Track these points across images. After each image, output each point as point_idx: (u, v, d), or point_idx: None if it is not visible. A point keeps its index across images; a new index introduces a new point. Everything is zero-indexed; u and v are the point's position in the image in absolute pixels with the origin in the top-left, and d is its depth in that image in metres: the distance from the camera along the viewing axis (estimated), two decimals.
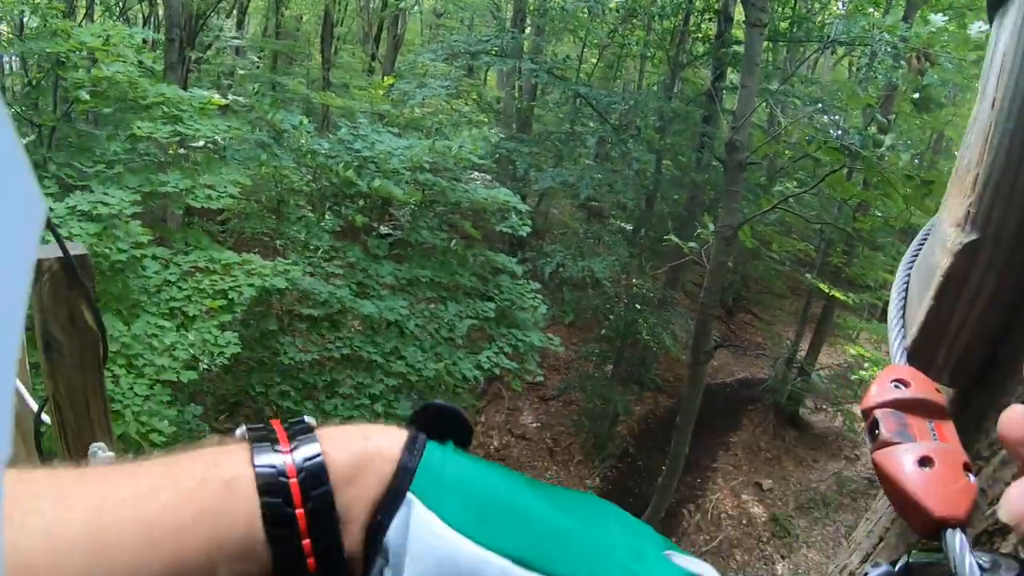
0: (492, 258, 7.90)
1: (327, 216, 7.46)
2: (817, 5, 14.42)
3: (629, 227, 13.36)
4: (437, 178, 7.61)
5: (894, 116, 11.38)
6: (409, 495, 0.43)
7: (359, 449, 0.45)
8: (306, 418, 0.48)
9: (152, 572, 0.38)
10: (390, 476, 0.44)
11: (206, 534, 0.40)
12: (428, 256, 7.66)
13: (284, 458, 0.43)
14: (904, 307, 0.72)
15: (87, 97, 5.90)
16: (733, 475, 12.31)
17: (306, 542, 0.41)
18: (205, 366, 5.24)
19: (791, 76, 10.90)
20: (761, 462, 12.76)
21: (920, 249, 0.76)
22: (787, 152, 10.39)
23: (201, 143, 6.16)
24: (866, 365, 11.13)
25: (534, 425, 12.18)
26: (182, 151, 6.37)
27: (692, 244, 7.85)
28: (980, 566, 0.42)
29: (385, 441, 0.46)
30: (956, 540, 0.44)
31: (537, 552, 0.43)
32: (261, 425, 0.46)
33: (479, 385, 9.97)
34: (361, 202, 7.76)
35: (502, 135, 9.90)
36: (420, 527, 0.43)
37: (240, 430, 0.46)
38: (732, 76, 12.51)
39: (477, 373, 6.93)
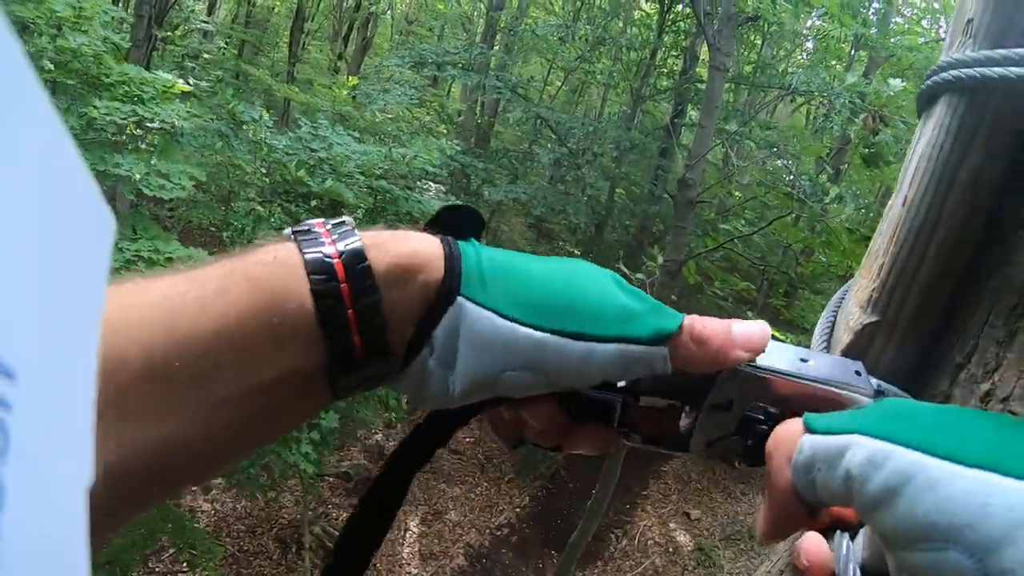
0: None
1: (277, 212, 7.39)
2: (782, 52, 14.80)
3: (577, 252, 13.46)
4: (391, 185, 7.61)
5: (846, 166, 11.70)
6: (459, 299, 0.48)
7: (403, 252, 0.48)
8: (346, 218, 0.51)
9: (210, 338, 0.42)
10: (438, 279, 0.48)
11: (266, 328, 0.44)
12: None
13: (329, 248, 0.47)
14: (827, 348, 0.77)
15: (50, 67, 5.77)
16: (662, 503, 12.43)
17: (357, 339, 0.46)
18: None
19: (750, 120, 11.15)
20: (691, 492, 12.90)
21: (838, 306, 0.81)
22: (737, 193, 10.60)
23: (158, 125, 6.06)
24: None
25: (467, 440, 12.15)
26: (139, 132, 6.25)
27: (640, 275, 7.96)
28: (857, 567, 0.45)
29: (423, 244, 0.50)
30: (843, 543, 0.47)
31: (580, 321, 0.49)
32: (305, 227, 0.50)
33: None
34: (313, 202, 7.70)
35: (459, 147, 9.92)
36: (477, 321, 0.48)
37: (286, 231, 0.50)
38: (692, 112, 12.75)
39: None
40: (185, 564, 8.24)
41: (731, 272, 12.94)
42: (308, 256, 0.46)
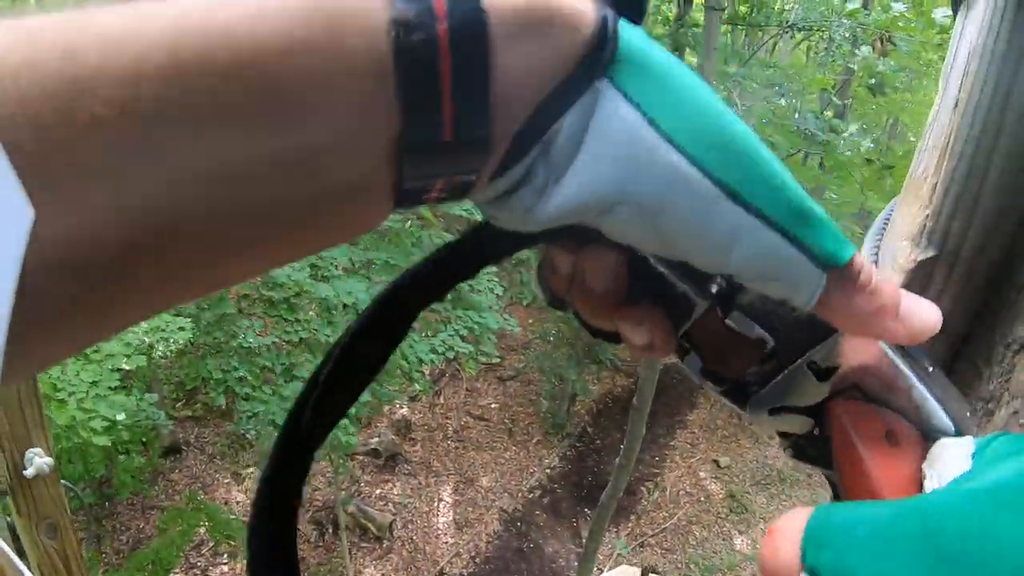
0: (446, 239, 7.85)
1: None
2: None
3: None
4: None
5: (851, 100, 11.51)
6: (604, 81, 0.32)
7: None
8: None
9: (227, 69, 0.26)
10: (581, 45, 0.32)
11: (321, 58, 0.27)
12: (383, 237, 7.58)
13: None
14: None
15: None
16: (691, 453, 12.46)
17: (448, 105, 0.29)
18: (160, 353, 5.13)
19: (749, 59, 10.93)
20: (718, 439, 12.92)
21: (883, 230, 0.69)
22: None
23: None
24: None
25: (493, 406, 12.18)
26: None
27: None
28: None
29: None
30: None
31: (746, 182, 0.33)
32: None
33: (436, 368, 9.93)
34: None
35: None
36: (614, 118, 0.32)
37: None
38: (690, 58, 12.52)
39: (433, 356, 6.89)
40: (225, 555, 8.34)
41: None
42: None
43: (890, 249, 0.61)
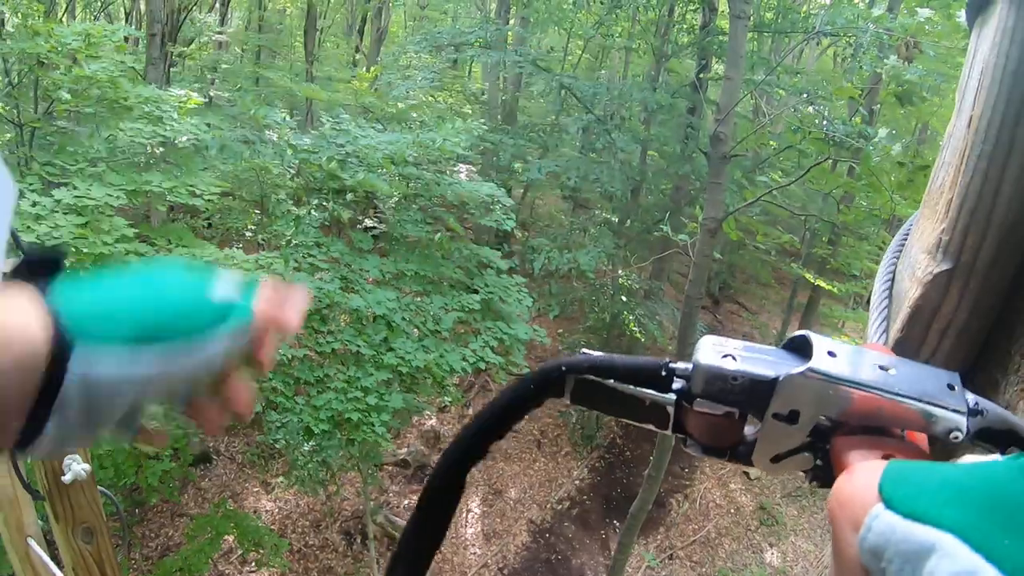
0: (476, 252, 7.86)
1: (312, 211, 7.41)
2: None
3: (615, 218, 13.34)
4: (421, 171, 7.56)
5: (879, 106, 11.40)
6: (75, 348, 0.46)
7: None
8: None
9: None
10: (41, 346, 0.44)
11: None
12: (412, 249, 7.62)
13: None
14: (887, 313, 0.68)
15: (68, 97, 5.85)
16: (720, 465, 12.34)
17: None
18: None
19: (776, 67, 10.87)
20: None
21: (903, 245, 0.71)
22: (771, 143, 10.38)
23: (184, 139, 6.12)
24: None
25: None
26: (162, 150, 6.32)
27: (683, 236, 7.84)
28: None
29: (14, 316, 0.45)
30: None
31: (148, 329, 0.50)
32: None
33: (466, 377, 9.94)
34: (348, 196, 7.71)
35: (486, 126, 9.84)
36: (91, 362, 0.46)
37: None
38: (716, 66, 12.48)
39: (465, 365, 6.91)
40: (253, 564, 8.40)
41: (772, 225, 12.72)
42: None
43: (909, 261, 0.62)
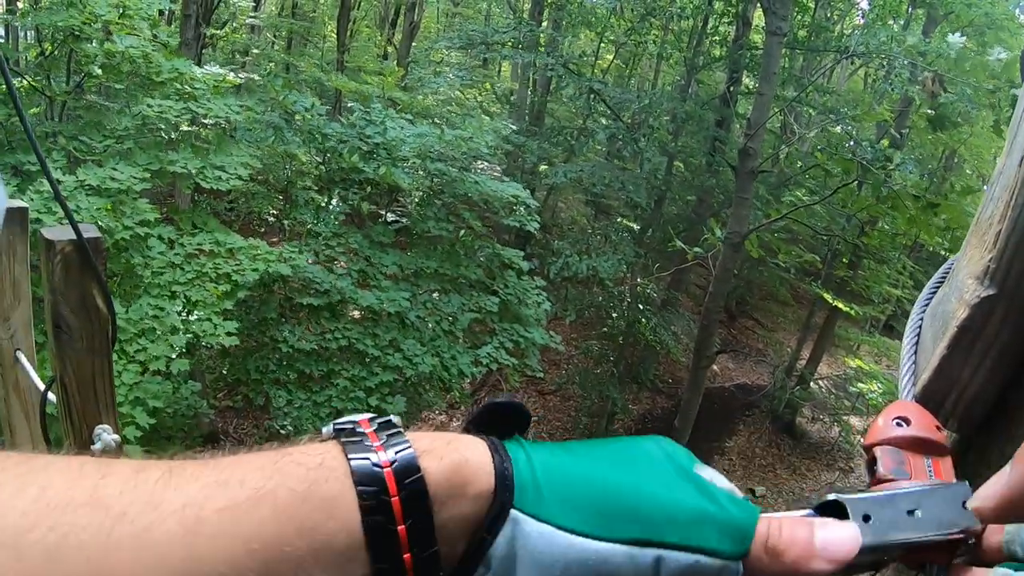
0: (499, 252, 7.86)
1: (335, 201, 7.46)
2: (836, 14, 14.36)
3: (636, 227, 13.35)
4: (447, 167, 7.58)
5: (908, 130, 11.35)
6: (513, 512, 0.44)
7: (454, 462, 0.44)
8: (393, 418, 0.47)
9: (240, 558, 0.38)
10: (490, 492, 0.44)
11: (304, 549, 0.40)
12: (434, 246, 7.64)
13: (378, 455, 0.43)
14: (916, 347, 0.72)
15: (99, 71, 5.87)
16: (728, 480, 12.31)
17: (407, 556, 0.42)
18: (205, 343, 5.22)
19: (808, 86, 10.85)
20: (755, 468, 12.77)
21: (936, 288, 0.76)
22: (798, 162, 10.36)
23: (212, 121, 6.14)
24: (864, 379, 11.11)
25: (532, 419, 12.16)
26: (193, 128, 6.35)
27: (697, 249, 7.83)
28: None
29: (473, 452, 0.46)
30: None
31: (648, 526, 0.45)
32: (349, 426, 0.46)
33: (476, 380, 9.96)
34: (369, 188, 7.75)
35: (513, 127, 9.87)
36: (533, 538, 0.44)
37: (326, 428, 0.47)
38: (747, 81, 12.47)
39: (474, 370, 6.92)
40: None
41: (794, 243, 12.68)
42: (355, 464, 0.42)
43: (956, 285, 0.66)
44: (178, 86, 5.80)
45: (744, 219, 7.02)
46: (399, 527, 0.41)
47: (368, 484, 0.41)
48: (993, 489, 0.46)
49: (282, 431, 7.26)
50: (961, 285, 0.64)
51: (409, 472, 0.42)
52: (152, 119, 5.60)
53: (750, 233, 7.13)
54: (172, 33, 8.07)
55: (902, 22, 13.39)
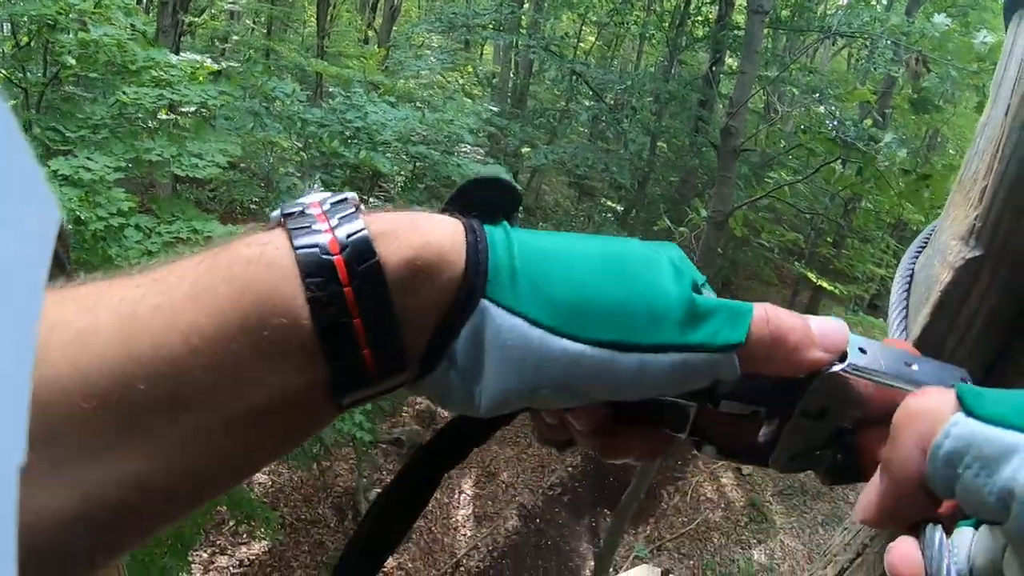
0: None
1: (316, 186, 7.40)
2: None
3: (620, 208, 13.33)
4: (429, 150, 7.53)
5: (891, 111, 11.37)
6: (483, 302, 0.39)
7: (416, 245, 0.39)
8: (349, 195, 0.42)
9: (181, 354, 0.34)
10: (458, 277, 0.39)
11: (250, 347, 0.35)
12: None
13: (325, 237, 0.38)
14: (906, 312, 0.69)
15: (73, 61, 5.79)
16: (714, 459, 12.38)
17: (366, 352, 0.37)
18: None
19: (790, 64, 10.83)
20: None
21: (922, 248, 0.72)
22: (781, 141, 10.36)
23: (191, 108, 6.06)
24: None
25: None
26: (170, 116, 6.27)
27: (683, 229, 7.82)
28: (958, 572, 0.39)
29: (440, 233, 0.40)
30: (936, 537, 0.40)
31: (630, 330, 0.40)
32: (297, 209, 0.40)
33: None
34: (350, 173, 7.69)
35: (495, 109, 9.81)
36: (503, 332, 0.39)
37: (274, 213, 0.41)
38: (730, 61, 12.45)
39: None
40: (245, 535, 8.44)
41: (777, 223, 12.71)
42: (301, 252, 0.37)
43: (939, 248, 0.62)
44: (154, 73, 5.72)
45: (727, 198, 7.00)
46: (354, 320, 0.37)
47: (316, 274, 0.36)
48: (867, 499, 0.41)
49: None
50: (944, 247, 0.61)
51: (363, 258, 0.37)
52: (129, 107, 5.52)
53: (733, 211, 7.11)
54: (149, 22, 7.97)
55: (885, 1, 13.39)
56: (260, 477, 9.42)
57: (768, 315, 0.42)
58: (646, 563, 9.75)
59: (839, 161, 7.76)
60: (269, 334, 0.35)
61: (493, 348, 0.39)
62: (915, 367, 0.46)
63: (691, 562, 10.49)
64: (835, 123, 9.20)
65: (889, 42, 8.76)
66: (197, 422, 0.35)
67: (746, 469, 12.21)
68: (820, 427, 0.46)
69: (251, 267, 0.37)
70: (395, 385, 0.41)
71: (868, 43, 10.33)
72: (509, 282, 0.40)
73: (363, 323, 0.37)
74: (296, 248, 0.37)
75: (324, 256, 0.37)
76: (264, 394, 0.36)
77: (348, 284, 0.36)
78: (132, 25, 6.01)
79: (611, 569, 8.44)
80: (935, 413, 0.35)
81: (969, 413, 0.34)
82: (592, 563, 9.54)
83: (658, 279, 0.42)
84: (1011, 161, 0.55)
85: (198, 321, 0.35)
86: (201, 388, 0.35)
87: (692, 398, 0.47)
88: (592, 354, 0.39)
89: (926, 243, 0.71)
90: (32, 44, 6.57)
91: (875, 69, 10.71)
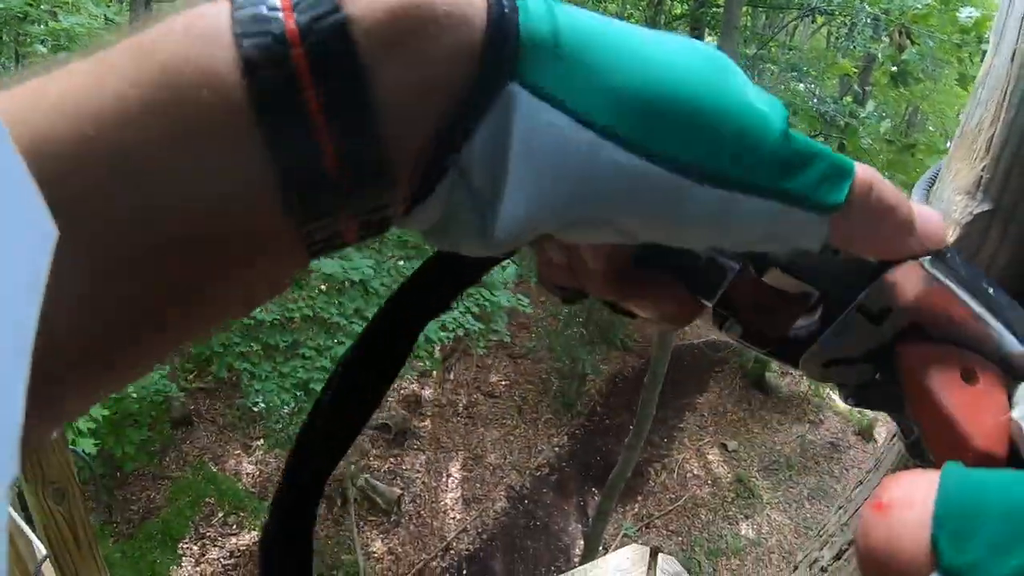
0: None
1: None
2: None
3: None
4: None
5: (871, 87, 11.40)
6: (512, 85, 0.26)
7: None
8: None
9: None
10: (473, 47, 0.26)
11: (174, 89, 0.24)
12: None
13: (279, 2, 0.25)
14: None
15: (44, 51, 5.71)
16: (699, 435, 12.45)
17: (329, 148, 0.25)
18: None
19: (769, 41, 10.81)
20: (727, 423, 12.90)
21: (929, 187, 0.66)
22: None
23: None
24: None
25: (503, 383, 12.19)
26: None
27: None
28: None
29: None
30: None
31: (716, 155, 0.28)
32: None
33: (446, 346, 9.94)
34: None
35: None
36: (536, 128, 0.26)
37: None
38: (709, 39, 12.39)
39: (443, 335, 6.88)
40: (234, 526, 8.41)
41: None
42: (241, 12, 0.25)
43: (943, 202, 0.59)
44: None
45: None
46: (305, 92, 0.24)
47: (254, 34, 0.24)
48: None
49: (254, 408, 7.20)
50: (948, 204, 0.56)
51: (322, 13, 0.25)
52: None
53: None
54: (122, 11, 7.88)
55: None
56: (248, 468, 9.38)
57: (872, 182, 0.31)
58: (635, 542, 9.81)
59: (821, 137, 7.77)
60: (194, 114, 0.24)
61: (523, 152, 0.27)
62: (991, 290, 0.37)
63: (680, 538, 10.57)
64: (815, 99, 9.21)
65: (869, 20, 8.75)
66: (117, 232, 0.24)
67: (731, 444, 12.28)
68: (872, 332, 0.38)
69: (175, 36, 0.25)
70: (378, 205, 0.28)
71: (848, 20, 10.31)
72: (550, 58, 0.27)
73: (317, 97, 0.24)
74: (235, 7, 0.25)
75: (269, 11, 0.25)
76: (196, 194, 0.25)
77: (299, 45, 0.24)
78: (104, 16, 5.96)
79: (600, 548, 8.48)
80: (908, 560, 0.25)
81: (947, 570, 0.24)
82: (581, 542, 9.59)
83: (748, 97, 0.30)
84: (1020, 108, 0.51)
85: (105, 104, 0.24)
86: (121, 182, 0.24)
87: (734, 258, 0.37)
88: (659, 176, 0.28)
89: (933, 180, 0.65)
90: (5, 38, 6.50)
91: (854, 47, 10.70)
